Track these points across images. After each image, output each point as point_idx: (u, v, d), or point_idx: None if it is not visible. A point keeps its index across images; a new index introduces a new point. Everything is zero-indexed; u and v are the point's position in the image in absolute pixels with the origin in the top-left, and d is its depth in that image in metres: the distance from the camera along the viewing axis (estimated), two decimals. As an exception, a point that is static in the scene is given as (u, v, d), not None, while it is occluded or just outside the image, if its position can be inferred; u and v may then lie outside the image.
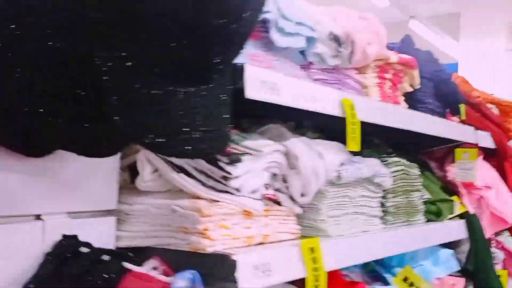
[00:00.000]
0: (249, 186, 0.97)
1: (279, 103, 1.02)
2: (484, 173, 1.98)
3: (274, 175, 1.06)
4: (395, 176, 1.45)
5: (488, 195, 1.91)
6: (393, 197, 1.44)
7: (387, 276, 1.49)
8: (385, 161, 1.43)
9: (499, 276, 2.06)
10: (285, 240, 1.06)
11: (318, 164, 1.12)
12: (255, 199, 0.98)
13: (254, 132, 1.20)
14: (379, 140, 1.65)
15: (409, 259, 1.62)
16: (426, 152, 2.05)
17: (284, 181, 1.10)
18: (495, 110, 2.44)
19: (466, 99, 2.21)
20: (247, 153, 0.97)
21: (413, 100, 1.67)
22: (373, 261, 1.53)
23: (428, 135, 1.68)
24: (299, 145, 1.12)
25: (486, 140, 2.06)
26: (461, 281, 1.65)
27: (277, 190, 1.07)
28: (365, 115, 1.26)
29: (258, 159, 1.00)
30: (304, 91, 1.09)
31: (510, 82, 5.68)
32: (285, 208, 1.09)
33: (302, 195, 1.11)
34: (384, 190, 1.39)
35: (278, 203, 1.08)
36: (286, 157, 1.08)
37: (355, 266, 1.47)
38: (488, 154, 2.14)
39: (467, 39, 6.68)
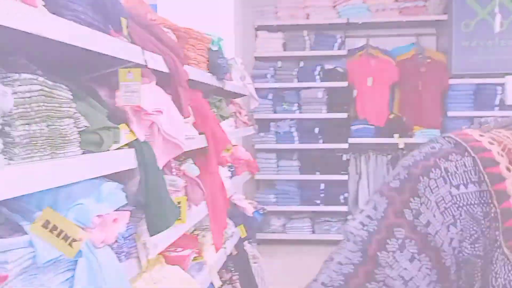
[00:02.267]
0: None
1: None
2: (156, 98, 1.86)
3: None
4: (25, 97, 1.13)
5: (159, 120, 1.79)
6: (24, 124, 1.12)
7: (25, 224, 1.19)
8: (7, 77, 1.09)
9: (176, 203, 2.03)
10: None
11: None
12: None
13: None
14: (25, 60, 1.30)
15: (64, 198, 1.36)
16: (97, 78, 1.80)
17: None
18: (172, 36, 2.35)
19: (143, 22, 2.03)
20: None
21: (58, 6, 1.35)
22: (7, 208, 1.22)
23: (94, 56, 1.47)
24: None
25: (158, 63, 1.93)
26: (125, 214, 1.49)
27: None
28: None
29: None
30: None
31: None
32: None
33: None
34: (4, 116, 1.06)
35: None
36: None
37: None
38: (163, 80, 2.03)
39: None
